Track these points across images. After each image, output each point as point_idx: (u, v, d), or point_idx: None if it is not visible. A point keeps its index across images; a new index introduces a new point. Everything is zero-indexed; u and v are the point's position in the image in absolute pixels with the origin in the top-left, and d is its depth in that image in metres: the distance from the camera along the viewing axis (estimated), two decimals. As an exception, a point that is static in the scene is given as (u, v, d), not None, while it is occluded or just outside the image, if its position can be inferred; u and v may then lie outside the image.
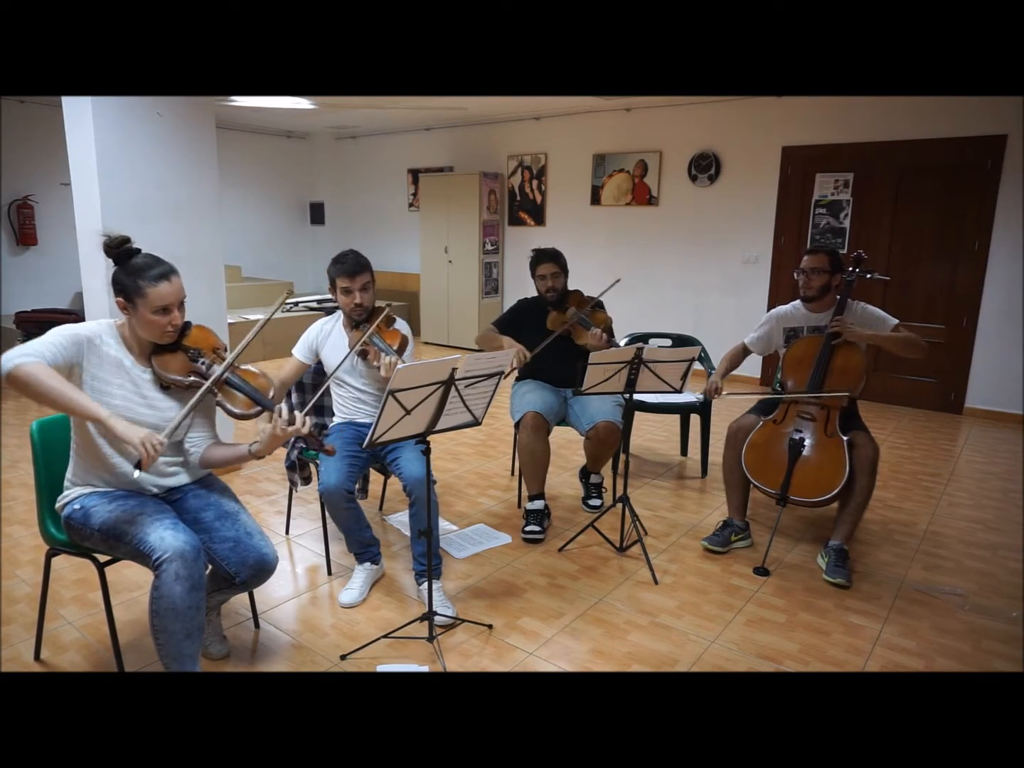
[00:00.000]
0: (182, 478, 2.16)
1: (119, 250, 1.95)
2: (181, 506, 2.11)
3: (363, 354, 2.69)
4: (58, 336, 1.86)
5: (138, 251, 1.98)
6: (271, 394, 2.09)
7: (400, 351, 2.68)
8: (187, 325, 2.06)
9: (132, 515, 1.93)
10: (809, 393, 2.96)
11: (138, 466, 1.77)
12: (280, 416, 1.97)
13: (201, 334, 2.10)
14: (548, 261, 3.39)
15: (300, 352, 2.84)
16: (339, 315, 2.86)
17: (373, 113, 7.35)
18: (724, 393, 3.10)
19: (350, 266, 2.66)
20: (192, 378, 2.02)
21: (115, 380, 1.95)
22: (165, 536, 1.85)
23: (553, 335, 3.20)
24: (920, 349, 2.89)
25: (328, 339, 2.82)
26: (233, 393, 2.04)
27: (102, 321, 2.01)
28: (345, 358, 2.59)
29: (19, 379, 1.71)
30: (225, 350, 2.11)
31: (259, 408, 2.05)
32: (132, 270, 1.92)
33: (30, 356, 1.75)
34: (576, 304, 3.40)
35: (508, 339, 3.32)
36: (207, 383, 1.97)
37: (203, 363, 2.04)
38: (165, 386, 2.03)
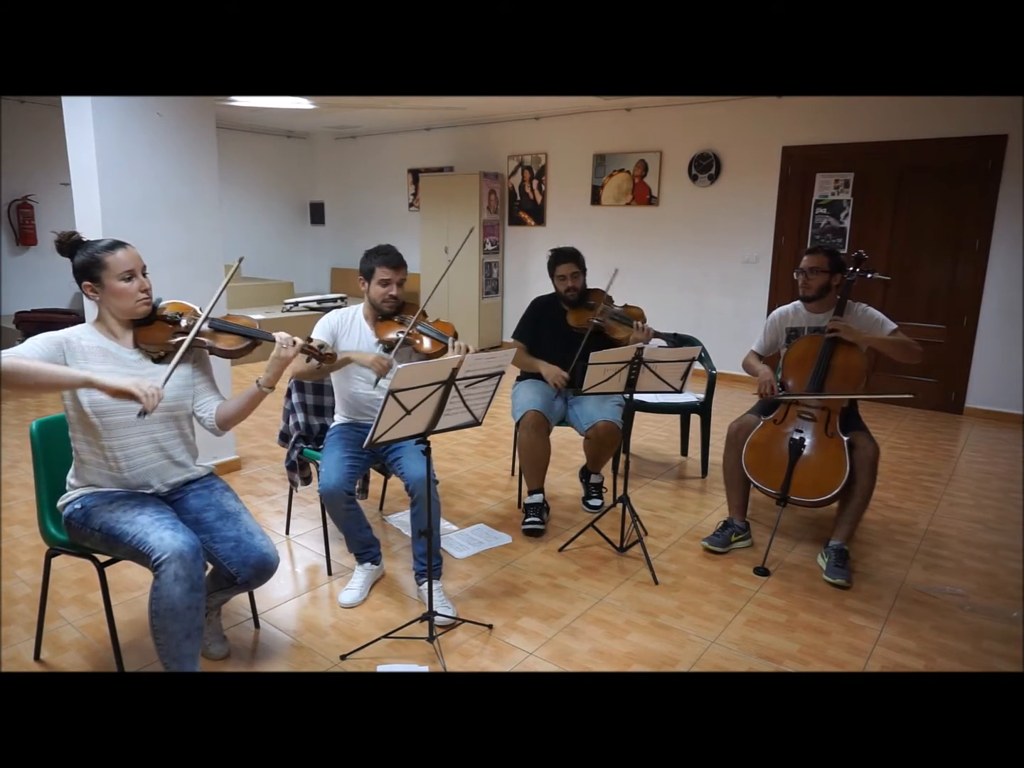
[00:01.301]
0: (187, 474, 2.17)
1: (70, 242, 2.00)
2: (182, 506, 2.11)
3: (405, 343, 2.69)
4: (34, 340, 1.89)
5: (87, 242, 2.02)
6: (258, 327, 2.16)
7: (456, 337, 2.71)
8: (158, 301, 2.09)
9: (132, 516, 1.93)
10: (822, 395, 2.95)
11: (143, 413, 1.78)
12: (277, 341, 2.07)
13: (174, 304, 2.14)
14: (568, 261, 3.39)
15: (321, 335, 2.77)
16: (357, 308, 2.86)
17: (373, 113, 7.35)
18: (780, 393, 3.08)
19: (393, 258, 2.72)
20: (179, 338, 2.05)
21: (103, 367, 1.96)
22: (164, 537, 1.85)
23: (586, 336, 3.21)
24: (915, 354, 2.89)
25: (350, 329, 2.81)
26: (222, 336, 2.10)
27: (74, 326, 2.03)
28: (399, 343, 2.62)
29: (6, 374, 1.69)
30: (199, 309, 2.15)
31: (251, 341, 2.11)
32: (86, 250, 1.98)
33: (7, 354, 1.76)
34: (602, 301, 3.39)
35: (543, 363, 3.34)
36: (194, 330, 2.01)
37: (184, 321, 2.09)
38: (157, 359, 2.06)
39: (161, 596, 1.84)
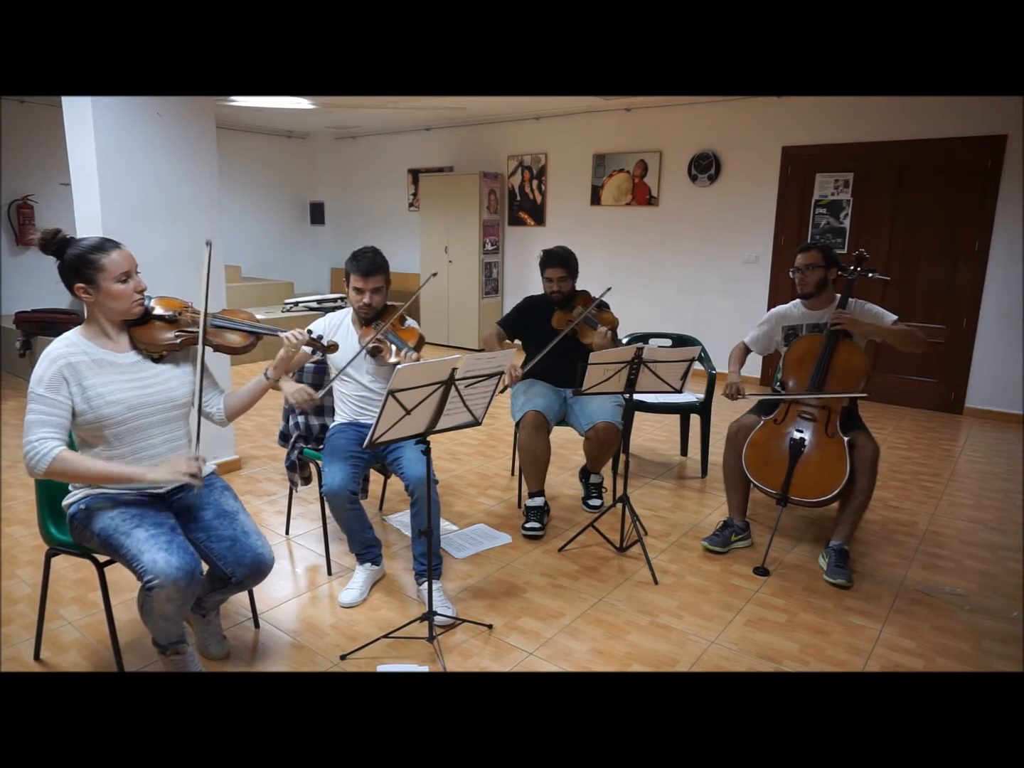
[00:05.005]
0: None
1: (55, 240, 1.90)
2: (181, 504, 2.11)
3: (375, 351, 2.68)
4: (45, 398, 1.84)
5: (73, 239, 1.94)
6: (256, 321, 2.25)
7: (418, 348, 2.68)
8: (148, 298, 2.06)
9: (129, 527, 1.90)
10: (817, 394, 2.95)
11: (194, 485, 1.94)
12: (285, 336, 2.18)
13: (164, 301, 2.12)
14: (557, 265, 3.35)
15: None
16: (348, 311, 2.86)
17: (373, 113, 7.35)
18: (748, 394, 3.10)
19: (365, 265, 2.66)
20: (181, 336, 2.07)
21: (106, 379, 1.93)
22: (158, 560, 1.81)
23: (557, 339, 3.17)
24: (920, 343, 2.91)
25: (336, 332, 2.81)
26: (226, 334, 2.17)
27: (64, 336, 1.95)
28: (358, 353, 2.60)
29: (56, 472, 1.83)
30: (192, 305, 2.15)
31: (255, 337, 2.19)
32: (79, 251, 1.89)
33: (50, 447, 1.80)
34: (583, 304, 3.39)
35: (501, 352, 3.27)
36: (201, 330, 2.02)
37: (183, 317, 2.10)
38: (157, 358, 2.06)
39: (152, 607, 1.87)
